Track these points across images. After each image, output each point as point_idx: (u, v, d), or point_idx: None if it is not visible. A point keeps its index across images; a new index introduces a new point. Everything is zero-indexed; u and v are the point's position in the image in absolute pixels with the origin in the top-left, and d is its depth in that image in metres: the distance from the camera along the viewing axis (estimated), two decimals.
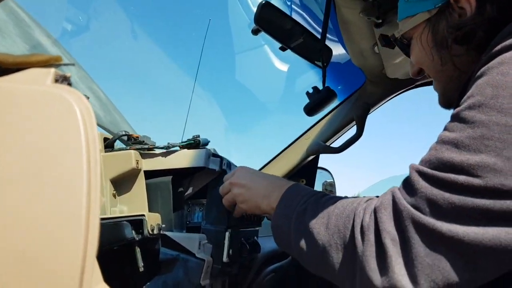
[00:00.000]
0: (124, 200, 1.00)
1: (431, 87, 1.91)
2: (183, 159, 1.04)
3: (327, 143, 2.04)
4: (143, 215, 0.85)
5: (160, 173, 1.04)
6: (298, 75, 2.48)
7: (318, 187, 2.50)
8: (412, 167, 0.69)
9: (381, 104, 1.94)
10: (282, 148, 2.13)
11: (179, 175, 1.07)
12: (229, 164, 1.13)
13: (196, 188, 1.10)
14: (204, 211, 1.09)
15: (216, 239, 1.04)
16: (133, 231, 0.85)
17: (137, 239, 0.84)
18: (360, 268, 0.69)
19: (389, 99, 1.94)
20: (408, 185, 0.68)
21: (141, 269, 0.83)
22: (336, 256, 0.75)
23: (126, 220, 0.84)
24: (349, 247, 0.72)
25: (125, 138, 1.05)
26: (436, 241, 0.62)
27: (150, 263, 0.89)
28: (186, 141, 1.05)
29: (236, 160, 1.25)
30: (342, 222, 0.75)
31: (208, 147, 1.09)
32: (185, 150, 1.05)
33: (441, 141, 0.67)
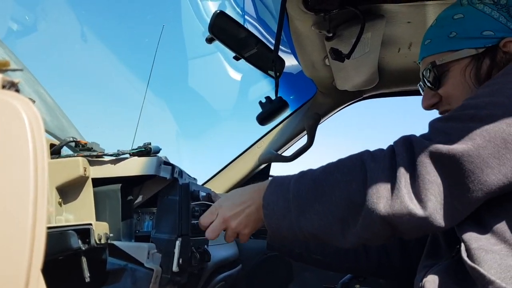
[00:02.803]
0: (71, 209, 0.97)
1: (377, 100, 1.99)
2: (133, 166, 1.02)
3: (279, 152, 2.07)
4: (90, 224, 0.82)
5: (109, 181, 1.02)
6: (252, 84, 2.50)
7: None
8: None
9: (331, 114, 2.00)
10: (235, 156, 2.14)
11: (129, 183, 1.06)
12: (181, 172, 1.12)
13: (146, 196, 1.08)
14: (155, 220, 1.08)
15: (166, 248, 1.03)
16: (80, 241, 0.82)
17: (83, 248, 0.81)
18: (371, 191, 0.77)
19: (339, 110, 2.00)
20: (426, 131, 0.82)
21: (87, 280, 0.81)
22: (345, 191, 0.81)
23: (72, 229, 0.81)
24: (360, 177, 0.80)
25: (73, 144, 1.02)
26: (438, 162, 0.74)
27: (96, 273, 0.86)
28: (136, 149, 1.03)
29: (189, 167, 1.25)
30: (350, 162, 0.84)
31: (159, 154, 1.07)
32: (136, 157, 1.03)
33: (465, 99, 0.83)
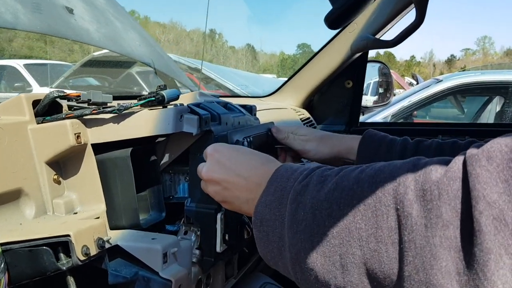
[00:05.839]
0: (72, 185, 0.74)
1: None
2: (143, 124, 0.73)
3: (377, 36, 1.60)
4: (68, 235, 0.58)
5: (118, 144, 0.75)
6: None
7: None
8: None
9: None
10: (322, 45, 1.72)
11: (147, 143, 0.78)
12: (218, 117, 0.80)
13: (175, 154, 0.80)
14: (188, 186, 0.81)
15: (205, 225, 0.77)
16: (62, 255, 0.60)
17: (64, 268, 0.59)
18: (415, 273, 0.39)
19: None
20: None
21: None
22: (361, 252, 0.44)
23: (43, 243, 0.58)
24: (393, 237, 0.42)
25: (64, 99, 0.74)
26: None
27: None
28: (143, 98, 0.73)
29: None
30: (376, 196, 0.44)
31: (178, 101, 0.76)
32: (145, 111, 0.73)
33: None
